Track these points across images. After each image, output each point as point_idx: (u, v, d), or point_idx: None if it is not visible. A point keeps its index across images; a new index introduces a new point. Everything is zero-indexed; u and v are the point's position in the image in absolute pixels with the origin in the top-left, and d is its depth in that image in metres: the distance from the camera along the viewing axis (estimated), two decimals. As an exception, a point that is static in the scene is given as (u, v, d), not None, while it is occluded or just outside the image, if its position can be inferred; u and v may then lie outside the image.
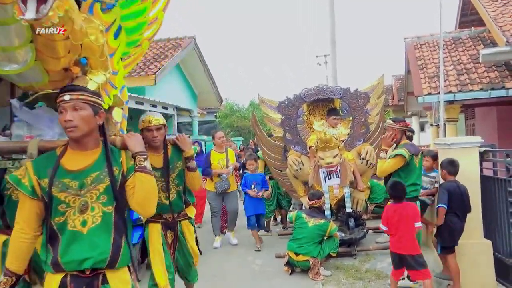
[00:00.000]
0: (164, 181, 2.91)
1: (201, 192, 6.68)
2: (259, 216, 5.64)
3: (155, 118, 2.90)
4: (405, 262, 3.58)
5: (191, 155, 2.95)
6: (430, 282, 3.54)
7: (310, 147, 5.27)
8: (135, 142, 2.00)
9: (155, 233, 2.98)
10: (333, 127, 5.35)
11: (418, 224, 3.58)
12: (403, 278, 4.06)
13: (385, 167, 3.96)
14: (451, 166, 3.94)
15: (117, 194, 1.87)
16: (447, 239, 3.85)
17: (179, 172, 2.98)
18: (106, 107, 2.71)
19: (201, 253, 3.33)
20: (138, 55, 3.57)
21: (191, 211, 3.17)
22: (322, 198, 4.84)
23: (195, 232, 3.22)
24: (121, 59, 3.30)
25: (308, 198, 4.89)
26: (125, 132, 4.46)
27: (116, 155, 1.97)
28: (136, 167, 1.93)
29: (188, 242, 3.13)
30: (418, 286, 4.01)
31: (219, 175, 5.49)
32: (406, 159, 3.87)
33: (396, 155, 3.89)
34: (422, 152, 4.55)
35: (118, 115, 3.14)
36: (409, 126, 4.42)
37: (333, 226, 4.60)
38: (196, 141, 7.10)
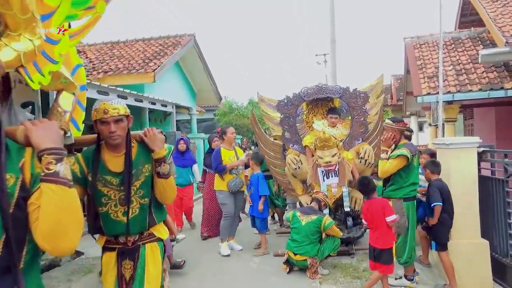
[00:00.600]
0: (124, 191, 2.15)
1: (188, 192, 6.60)
2: (254, 217, 5.52)
3: (113, 106, 2.07)
4: (376, 254, 3.77)
5: (163, 156, 2.19)
6: (379, 277, 3.77)
7: (306, 146, 5.27)
8: (43, 134, 1.25)
9: (107, 266, 2.25)
10: (333, 127, 5.34)
11: (390, 219, 3.67)
12: (400, 277, 4.09)
13: (387, 168, 3.97)
14: (434, 166, 4.10)
15: (8, 220, 1.13)
16: (442, 236, 3.96)
17: (146, 179, 2.21)
18: (36, 87, 2.16)
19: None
20: (91, 21, 2.64)
21: (161, 231, 2.35)
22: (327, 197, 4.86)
23: (163, 259, 2.40)
24: (69, 25, 2.54)
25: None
26: (80, 126, 3.42)
27: (13, 155, 1.25)
28: (42, 174, 1.18)
29: (148, 274, 2.23)
30: (415, 285, 4.03)
31: (230, 172, 5.34)
32: (408, 159, 3.90)
33: (399, 155, 3.91)
34: (420, 151, 4.61)
35: (68, 102, 2.53)
36: (407, 126, 4.46)
37: (327, 220, 4.52)
38: (182, 138, 6.72)
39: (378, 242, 3.72)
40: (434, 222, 3.94)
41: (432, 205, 3.96)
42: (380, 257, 3.71)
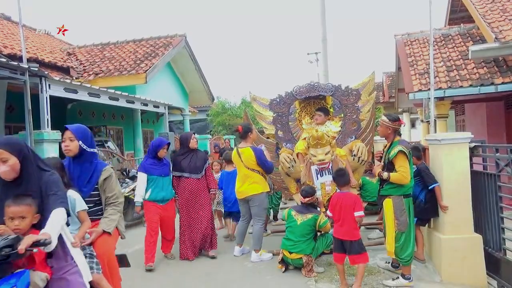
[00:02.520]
0: None
1: (171, 209, 5.04)
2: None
3: None
4: (345, 247, 3.87)
5: None
6: (363, 267, 3.87)
7: (298, 153, 5.18)
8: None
9: None
10: (319, 123, 5.31)
11: (358, 214, 3.83)
12: (397, 278, 4.08)
13: (405, 171, 3.88)
14: (417, 151, 4.43)
15: None
16: (426, 213, 4.40)
17: None
18: None
19: None
20: None
21: None
22: (315, 195, 4.76)
23: None
24: None
25: (301, 195, 4.81)
26: None
27: None
28: None
29: None
30: (412, 285, 4.03)
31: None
32: (406, 154, 3.92)
33: (397, 153, 3.88)
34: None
35: None
36: (403, 124, 4.53)
37: (323, 218, 4.51)
38: (167, 143, 5.12)
39: (347, 235, 3.85)
40: (442, 202, 4.20)
41: (430, 187, 4.27)
42: (352, 249, 3.83)
